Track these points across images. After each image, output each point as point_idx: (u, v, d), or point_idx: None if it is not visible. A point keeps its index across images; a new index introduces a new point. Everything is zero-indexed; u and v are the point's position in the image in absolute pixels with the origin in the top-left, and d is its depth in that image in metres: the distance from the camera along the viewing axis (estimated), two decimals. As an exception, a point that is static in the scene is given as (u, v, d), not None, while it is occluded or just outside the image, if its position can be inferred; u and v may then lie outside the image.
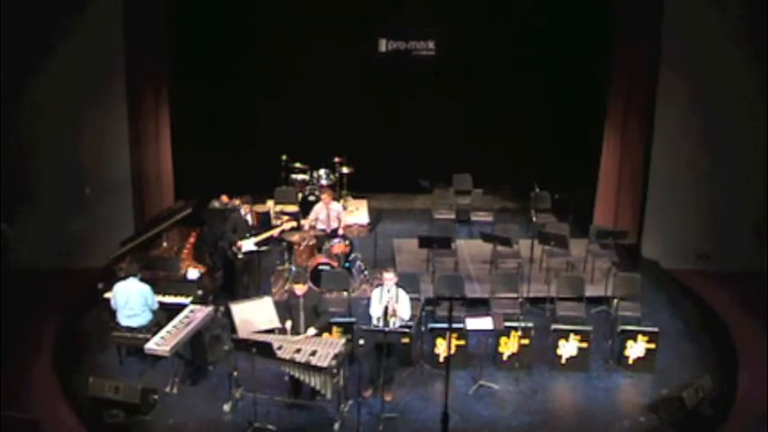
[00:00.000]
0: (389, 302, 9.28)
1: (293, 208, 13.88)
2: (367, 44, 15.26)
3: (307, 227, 12.49)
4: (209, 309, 10.02)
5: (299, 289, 9.40)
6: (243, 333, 9.25)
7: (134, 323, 9.73)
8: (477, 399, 9.67)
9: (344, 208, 13.76)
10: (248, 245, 11.52)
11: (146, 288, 9.79)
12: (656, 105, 12.39)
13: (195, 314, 9.76)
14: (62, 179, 12.06)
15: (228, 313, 9.68)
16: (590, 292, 11.34)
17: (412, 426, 9.19)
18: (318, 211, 12.47)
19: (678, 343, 10.94)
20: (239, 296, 10.99)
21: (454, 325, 9.27)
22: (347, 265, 12.03)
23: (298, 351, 8.80)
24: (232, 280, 11.69)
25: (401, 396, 9.66)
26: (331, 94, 14.79)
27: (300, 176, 14.59)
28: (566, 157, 14.41)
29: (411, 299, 9.67)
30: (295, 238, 12.20)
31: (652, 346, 10.13)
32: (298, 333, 9.27)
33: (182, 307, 10.02)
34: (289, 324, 9.34)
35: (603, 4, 13.08)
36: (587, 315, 10.93)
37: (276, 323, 9.51)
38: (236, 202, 12.44)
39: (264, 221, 12.88)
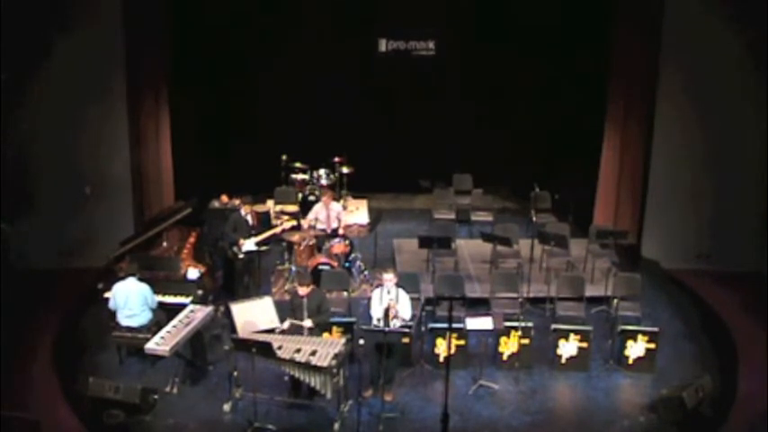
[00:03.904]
0: (390, 304, 9.27)
1: (293, 208, 13.89)
2: (367, 44, 15.26)
3: (305, 226, 12.49)
4: (209, 309, 10.02)
5: (302, 290, 9.40)
6: (243, 333, 9.26)
7: (134, 323, 9.73)
8: (477, 399, 9.67)
9: (344, 208, 13.76)
10: (248, 245, 11.52)
11: (145, 287, 9.79)
12: (656, 105, 12.40)
13: (195, 314, 9.75)
14: (62, 179, 12.06)
15: (228, 313, 9.69)
16: (590, 291, 11.34)
17: (412, 426, 9.19)
18: (318, 211, 12.46)
19: (678, 343, 10.94)
20: (239, 296, 10.99)
21: (454, 325, 9.27)
22: (347, 264, 12.03)
23: (298, 351, 8.80)
24: (232, 280, 11.69)
25: (401, 396, 9.66)
26: (331, 93, 14.80)
27: (300, 176, 14.59)
28: (566, 157, 14.42)
29: (411, 299, 9.66)
30: (295, 237, 12.20)
31: (652, 345, 10.13)
32: (300, 333, 9.29)
33: (182, 307, 10.01)
34: (287, 323, 9.35)
35: (604, 4, 13.08)
36: (587, 315, 10.93)
37: (276, 323, 9.52)
38: (236, 202, 12.44)
39: (264, 221, 12.89)
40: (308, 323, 9.31)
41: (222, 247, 11.84)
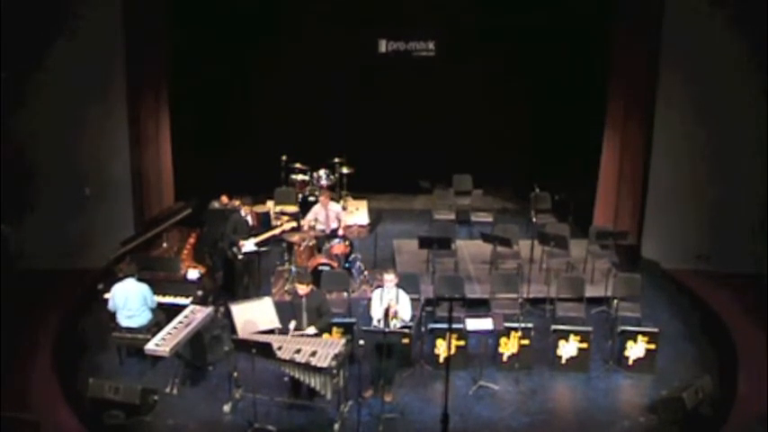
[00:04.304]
0: (390, 304, 9.27)
1: (293, 208, 13.87)
2: (367, 44, 15.25)
3: (305, 227, 12.48)
4: (209, 309, 10.02)
5: (302, 289, 9.40)
6: (243, 333, 9.25)
7: (134, 323, 9.74)
8: (476, 399, 9.67)
9: (344, 208, 13.75)
10: (248, 245, 11.52)
11: (145, 288, 9.81)
12: (656, 105, 12.40)
13: (195, 315, 9.76)
14: (62, 179, 12.06)
15: (228, 314, 9.68)
16: (590, 292, 11.34)
17: (412, 426, 9.19)
18: (317, 212, 12.46)
19: (678, 343, 10.94)
20: (239, 297, 10.99)
21: (454, 325, 9.26)
22: (347, 265, 12.03)
23: (298, 351, 8.80)
24: (232, 280, 11.69)
25: (401, 396, 9.66)
26: (331, 94, 14.80)
27: (300, 177, 14.58)
28: (566, 158, 14.42)
29: (411, 299, 9.66)
30: (295, 238, 12.19)
31: (652, 346, 10.13)
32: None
33: (182, 308, 10.01)
34: (293, 324, 9.35)
35: (603, 4, 13.08)
36: (587, 315, 10.93)
37: (276, 323, 9.50)
38: (236, 202, 12.43)
39: (264, 222, 12.88)
40: (310, 330, 9.31)
41: (222, 248, 11.83)
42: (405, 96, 15.26)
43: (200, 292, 10.59)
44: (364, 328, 9.42)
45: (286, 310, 9.60)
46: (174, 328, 9.46)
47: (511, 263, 12.24)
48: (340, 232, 12.42)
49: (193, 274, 10.82)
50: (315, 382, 8.73)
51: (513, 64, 14.83)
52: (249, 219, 11.85)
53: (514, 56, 14.76)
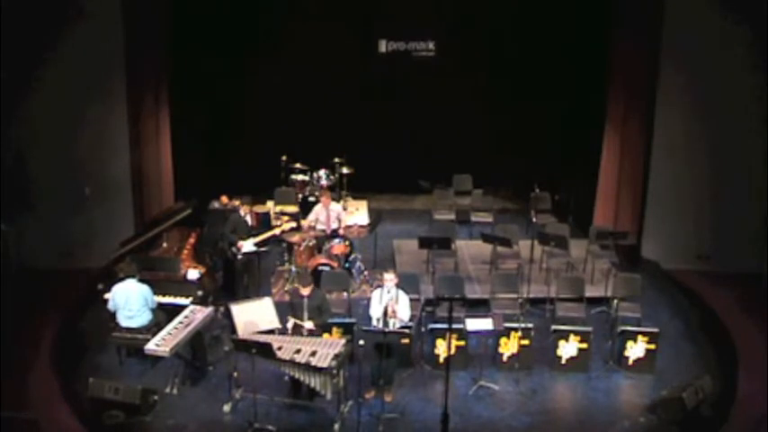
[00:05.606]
0: (389, 303, 9.27)
1: (293, 209, 13.87)
2: (367, 44, 15.25)
3: (305, 227, 12.48)
4: (209, 309, 10.02)
5: (304, 290, 9.42)
6: (243, 334, 9.26)
7: (134, 324, 9.74)
8: (477, 399, 9.68)
9: (344, 209, 13.75)
10: (248, 245, 11.52)
11: (145, 288, 9.81)
12: (656, 105, 12.40)
13: (195, 315, 9.76)
14: (62, 179, 12.05)
15: (228, 314, 9.69)
16: (590, 292, 11.34)
17: (412, 426, 9.19)
18: (318, 212, 12.46)
19: (678, 344, 10.94)
20: (239, 297, 10.99)
21: (454, 325, 9.28)
22: (347, 265, 12.03)
23: (298, 351, 8.80)
24: (232, 280, 11.69)
25: (401, 396, 9.66)
26: (331, 94, 14.79)
27: (300, 177, 14.58)
28: (566, 158, 14.40)
29: (411, 299, 9.66)
30: (295, 238, 12.20)
31: (652, 346, 10.13)
32: (301, 333, 9.29)
33: (182, 308, 10.02)
34: (290, 323, 9.35)
35: (603, 4, 13.08)
36: (587, 316, 10.92)
37: (276, 323, 9.52)
38: (236, 202, 12.44)
39: (264, 222, 12.88)
40: (308, 324, 9.32)
41: (222, 248, 11.84)
42: (405, 96, 15.26)
43: (200, 293, 10.59)
44: (364, 328, 9.43)
45: (286, 311, 9.61)
46: (175, 328, 9.46)
47: (511, 263, 12.24)
48: (340, 232, 12.42)
49: (193, 274, 10.82)
50: (315, 382, 8.73)
51: (513, 64, 14.81)
52: (249, 219, 11.85)
53: (514, 56, 14.75)
